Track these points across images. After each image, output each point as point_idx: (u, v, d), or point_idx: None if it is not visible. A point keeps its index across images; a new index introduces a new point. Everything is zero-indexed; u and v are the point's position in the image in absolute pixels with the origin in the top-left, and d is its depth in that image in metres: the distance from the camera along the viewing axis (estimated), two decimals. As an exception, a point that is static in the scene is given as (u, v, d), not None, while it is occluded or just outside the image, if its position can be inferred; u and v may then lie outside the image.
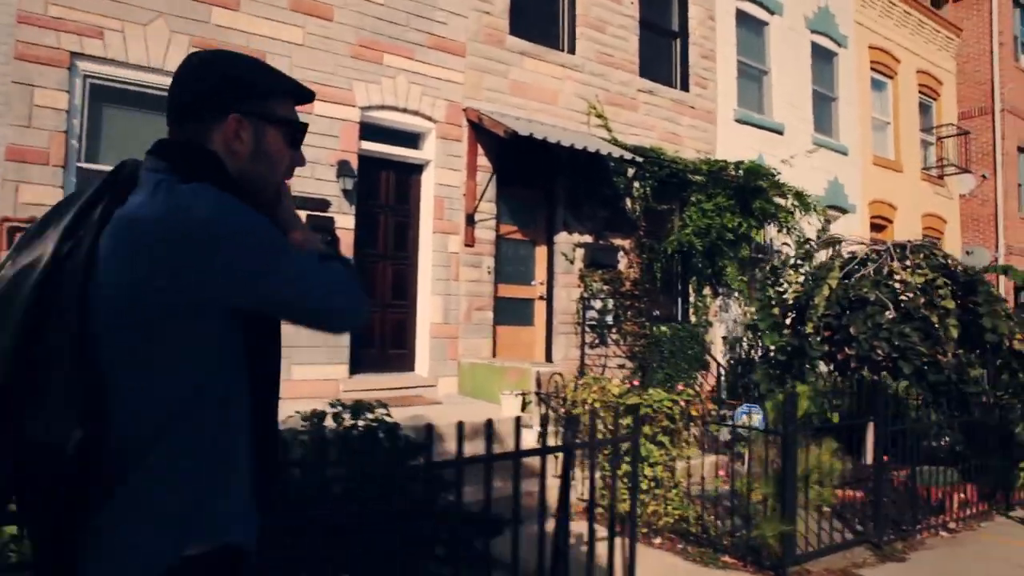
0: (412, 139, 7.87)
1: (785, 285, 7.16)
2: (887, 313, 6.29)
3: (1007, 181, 17.85)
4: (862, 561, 4.85)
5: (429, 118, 7.80)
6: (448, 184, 7.85)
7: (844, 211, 12.63)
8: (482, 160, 8.04)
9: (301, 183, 6.86)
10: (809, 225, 11.37)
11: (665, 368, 9.10)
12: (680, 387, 5.31)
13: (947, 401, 6.72)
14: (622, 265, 9.07)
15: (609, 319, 8.76)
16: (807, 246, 7.68)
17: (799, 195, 9.76)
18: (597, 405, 5.62)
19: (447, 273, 7.76)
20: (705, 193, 9.50)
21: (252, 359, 1.35)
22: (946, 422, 6.74)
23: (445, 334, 7.70)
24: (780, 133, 11.42)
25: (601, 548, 3.70)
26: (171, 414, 1.24)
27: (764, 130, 11.17)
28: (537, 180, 8.60)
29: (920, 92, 14.91)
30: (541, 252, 8.74)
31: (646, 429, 5.16)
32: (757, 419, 6.84)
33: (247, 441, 1.34)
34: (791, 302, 6.95)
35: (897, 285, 6.77)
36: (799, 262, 7.27)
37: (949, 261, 6.91)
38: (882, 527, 5.17)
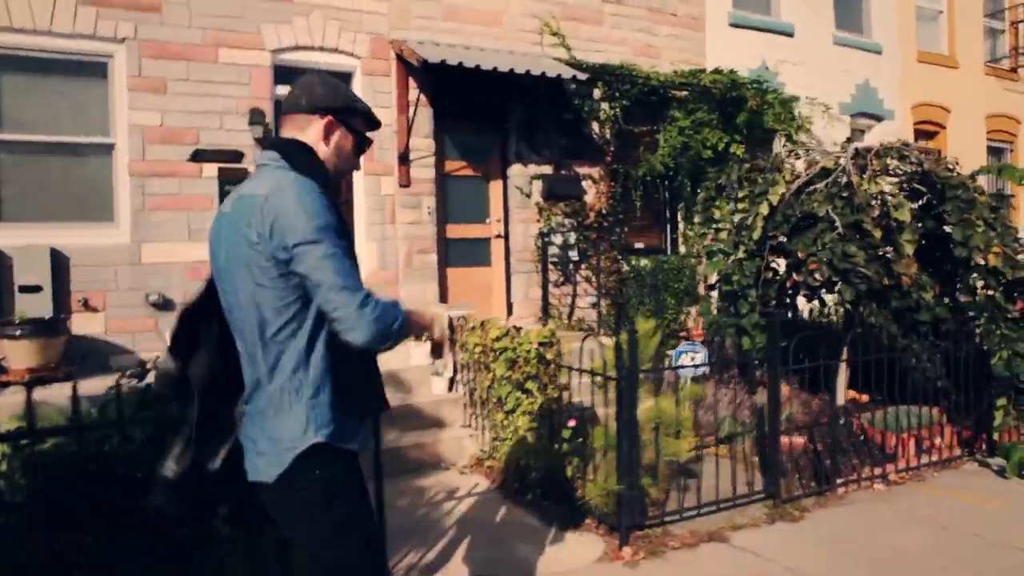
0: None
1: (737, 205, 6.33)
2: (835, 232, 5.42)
3: (1106, 67, 15.37)
4: (746, 522, 4.24)
5: (352, 55, 7.36)
6: (378, 123, 7.41)
7: (879, 118, 11.22)
8: (417, 95, 7.53)
9: (213, 135, 6.65)
10: (831, 138, 10.20)
11: (647, 304, 8.44)
12: (536, 326, 4.77)
13: (927, 331, 5.81)
14: (590, 196, 8.40)
15: (574, 254, 8.17)
16: (753, 162, 6.74)
17: (784, 103, 8.61)
18: (478, 350, 5.20)
19: (382, 217, 7.40)
20: (685, 109, 8.60)
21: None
22: (924, 354, 5.85)
23: (384, 280, 7.39)
24: (790, 35, 10.15)
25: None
26: (281, 351, 1.86)
27: (768, 33, 9.95)
28: (487, 111, 8.02)
29: (984, -30, 12.90)
30: (496, 187, 8.20)
31: (512, 375, 4.69)
32: (700, 358, 6.20)
33: (329, 374, 1.88)
34: (737, 223, 6.14)
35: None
36: (752, 178, 6.39)
37: (926, 165, 5.87)
38: (775, 481, 4.50)
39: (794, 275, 5.79)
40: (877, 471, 5.06)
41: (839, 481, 4.85)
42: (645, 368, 4.43)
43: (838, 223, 5.46)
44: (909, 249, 5.22)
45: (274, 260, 1.77)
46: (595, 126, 8.44)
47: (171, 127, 6.52)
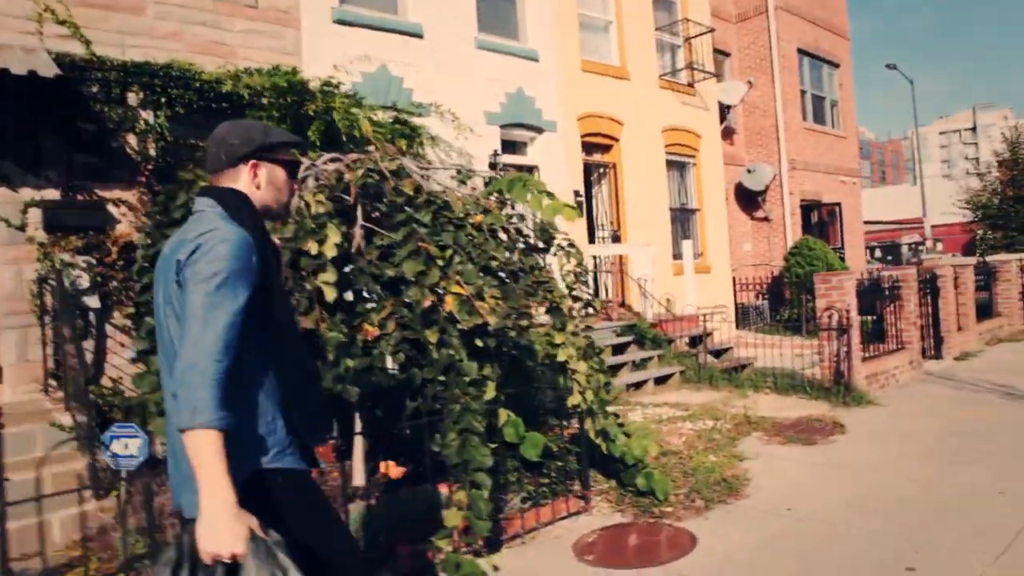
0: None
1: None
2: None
3: (787, 88, 16.04)
4: None
5: None
6: None
7: (539, 130, 10.47)
8: None
9: None
10: (476, 153, 9.25)
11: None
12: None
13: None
14: (123, 226, 6.73)
15: (93, 301, 6.45)
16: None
17: (349, 109, 7.37)
18: None
19: None
20: (255, 119, 7.17)
21: (263, 335, 1.88)
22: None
23: None
24: (418, 36, 9.08)
25: None
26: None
27: (389, 32, 8.81)
28: (-37, 119, 6.14)
29: (655, -16, 12.71)
30: (-21, 219, 6.32)
31: None
32: (136, 446, 4.70)
33: (273, 398, 1.93)
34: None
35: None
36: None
37: (412, 179, 4.72)
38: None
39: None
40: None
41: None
42: None
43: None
44: (330, 294, 4.00)
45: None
46: (132, 140, 6.79)
47: None
